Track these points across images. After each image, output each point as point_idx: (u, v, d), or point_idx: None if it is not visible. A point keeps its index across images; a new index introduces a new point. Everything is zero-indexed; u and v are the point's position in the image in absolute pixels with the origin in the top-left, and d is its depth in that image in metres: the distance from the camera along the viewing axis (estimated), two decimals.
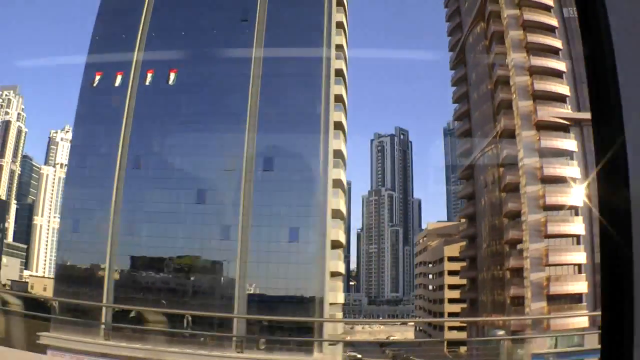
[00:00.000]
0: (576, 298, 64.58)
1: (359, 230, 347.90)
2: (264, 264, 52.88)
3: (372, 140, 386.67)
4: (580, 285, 64.22)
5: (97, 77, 59.67)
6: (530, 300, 63.46)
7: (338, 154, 59.78)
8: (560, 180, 67.45)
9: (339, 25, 62.89)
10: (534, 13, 71.16)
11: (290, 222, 53.57)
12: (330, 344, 52.20)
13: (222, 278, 53.68)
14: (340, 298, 59.24)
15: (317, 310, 53.51)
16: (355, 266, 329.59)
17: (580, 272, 65.10)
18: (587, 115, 64.30)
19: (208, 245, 54.07)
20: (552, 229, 64.16)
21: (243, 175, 54.23)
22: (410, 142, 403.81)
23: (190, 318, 27.93)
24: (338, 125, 60.67)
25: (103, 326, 47.59)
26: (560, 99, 69.14)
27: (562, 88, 69.09)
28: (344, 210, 60.16)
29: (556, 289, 62.93)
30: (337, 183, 59.16)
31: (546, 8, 72.45)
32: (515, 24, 70.13)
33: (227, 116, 56.12)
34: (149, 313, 43.75)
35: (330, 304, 55.97)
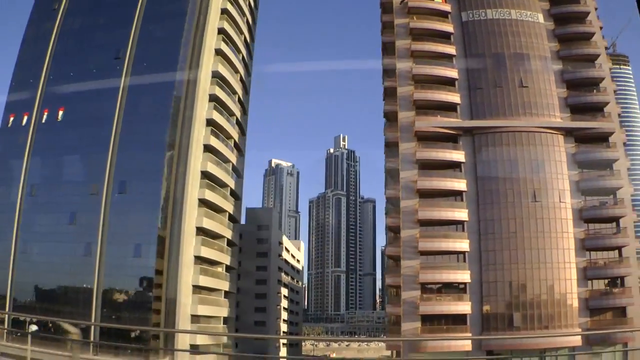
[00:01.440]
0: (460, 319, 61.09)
1: (382, 248, 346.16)
2: (113, 277, 58.30)
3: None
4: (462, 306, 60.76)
5: (11, 119, 69.24)
6: (402, 320, 61.20)
7: (205, 174, 63.34)
8: (441, 194, 64.61)
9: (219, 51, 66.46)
10: (425, 20, 69.07)
11: (134, 239, 58.47)
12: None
13: (83, 289, 59.32)
14: (206, 311, 62.15)
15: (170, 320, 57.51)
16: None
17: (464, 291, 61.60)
18: (479, 122, 61.80)
19: (76, 260, 60.26)
20: (425, 245, 61.55)
21: (103, 198, 59.92)
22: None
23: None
24: (208, 148, 64.30)
25: None
26: (448, 107, 66.28)
27: (451, 96, 66.25)
28: (212, 227, 63.41)
29: (426, 309, 60.11)
30: (204, 201, 62.69)
31: (442, 14, 69.98)
32: (405, 32, 68.49)
33: (97, 146, 62.21)
34: None
35: (193, 315, 59.68)
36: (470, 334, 59.99)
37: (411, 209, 62.68)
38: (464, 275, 61.31)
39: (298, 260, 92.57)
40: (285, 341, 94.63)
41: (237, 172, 71.04)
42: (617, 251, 65.27)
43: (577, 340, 60.16)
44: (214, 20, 65.44)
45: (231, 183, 68.05)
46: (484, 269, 61.61)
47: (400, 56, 67.16)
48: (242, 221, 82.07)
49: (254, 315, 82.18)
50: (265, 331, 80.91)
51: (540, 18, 71.03)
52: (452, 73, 66.86)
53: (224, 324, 65.40)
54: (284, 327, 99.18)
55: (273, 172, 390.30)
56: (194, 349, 59.18)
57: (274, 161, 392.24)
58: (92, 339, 51.54)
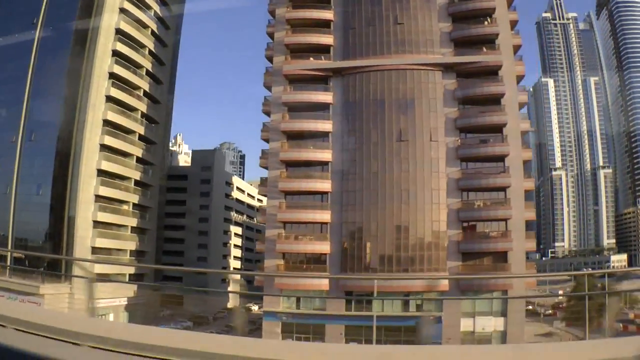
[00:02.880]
0: None
1: None
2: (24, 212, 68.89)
3: None
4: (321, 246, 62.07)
5: None
6: (265, 257, 64.42)
7: (108, 122, 71.22)
8: (309, 136, 65.48)
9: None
10: None
11: (37, 180, 68.32)
12: None
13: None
14: (107, 244, 70.67)
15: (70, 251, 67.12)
16: None
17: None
18: (347, 63, 62.75)
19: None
20: (285, 185, 63.65)
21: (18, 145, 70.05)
22: None
23: None
24: (110, 99, 71.96)
25: None
26: (322, 49, 66.33)
27: (323, 38, 66.26)
28: (114, 170, 71.37)
29: (283, 247, 62.19)
30: (106, 147, 70.71)
31: None
32: None
33: (16, 100, 71.40)
34: None
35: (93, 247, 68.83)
36: (327, 273, 61.54)
37: (278, 150, 64.89)
38: (324, 215, 62.57)
39: (260, 200, 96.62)
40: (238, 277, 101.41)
41: (150, 119, 77.62)
42: (504, 192, 61.74)
43: (444, 285, 58.65)
44: None
45: (140, 129, 75.02)
46: (344, 209, 62.33)
47: (280, 2, 68.22)
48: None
49: (197, 252, 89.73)
50: (206, 266, 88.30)
51: None
52: (328, 15, 66.61)
53: (131, 256, 73.39)
54: (235, 263, 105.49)
55: None
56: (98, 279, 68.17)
57: None
58: (8, 264, 62.51)
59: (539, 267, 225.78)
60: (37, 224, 68.33)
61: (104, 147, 70.22)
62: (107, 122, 70.31)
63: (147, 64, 76.22)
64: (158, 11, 78.52)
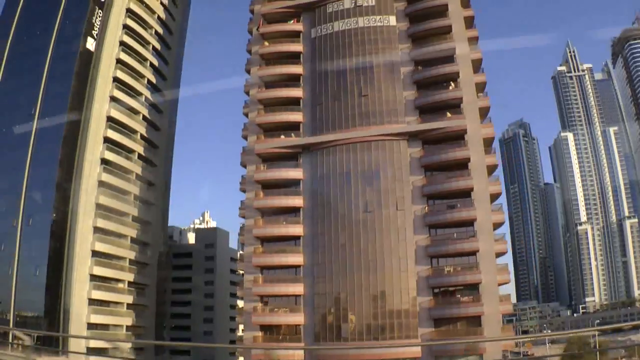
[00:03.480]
0: None
1: None
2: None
3: None
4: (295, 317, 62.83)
5: None
6: (244, 329, 65.56)
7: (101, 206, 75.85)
8: (282, 211, 67.26)
9: None
10: (277, 43, 72.54)
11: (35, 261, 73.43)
12: None
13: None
14: (103, 320, 73.85)
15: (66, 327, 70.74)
16: None
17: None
18: (314, 138, 65.44)
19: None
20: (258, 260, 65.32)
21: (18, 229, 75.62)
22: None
23: None
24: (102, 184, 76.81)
25: None
26: (292, 126, 68.89)
27: (293, 115, 68.94)
28: (108, 250, 75.19)
29: (257, 319, 63.36)
30: (99, 229, 75.06)
31: (294, 35, 72.80)
32: (258, 59, 72.84)
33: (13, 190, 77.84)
34: None
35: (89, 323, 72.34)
36: (302, 344, 62.33)
37: (252, 226, 67.04)
38: (297, 288, 63.69)
39: None
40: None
41: (144, 201, 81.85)
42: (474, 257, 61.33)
43: (416, 352, 58.36)
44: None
45: (133, 211, 79.22)
46: (315, 281, 63.30)
47: (252, 83, 71.82)
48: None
49: (203, 326, 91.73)
50: (212, 340, 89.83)
51: (393, 20, 69.85)
52: (297, 92, 69.52)
53: (127, 331, 76.27)
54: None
55: None
56: (94, 353, 71.36)
57: None
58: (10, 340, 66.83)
59: (570, 324, 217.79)
60: (34, 302, 72.40)
61: (98, 229, 74.38)
62: (99, 206, 74.68)
63: (139, 148, 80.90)
64: (149, 96, 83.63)
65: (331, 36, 70.60)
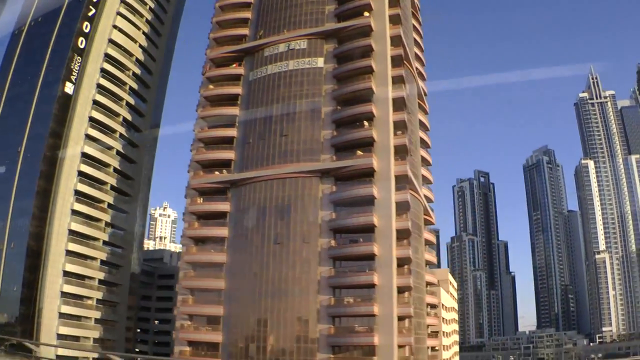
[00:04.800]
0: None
1: None
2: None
3: (453, 186, 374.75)
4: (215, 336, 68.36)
5: None
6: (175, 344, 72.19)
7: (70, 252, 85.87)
8: (213, 241, 73.43)
9: None
10: (220, 87, 79.29)
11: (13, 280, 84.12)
12: None
13: None
14: (71, 332, 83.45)
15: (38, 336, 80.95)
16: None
17: None
18: (238, 175, 72.29)
19: None
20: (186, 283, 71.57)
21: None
22: (492, 183, 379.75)
23: None
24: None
25: None
26: (226, 163, 75.02)
27: (225, 154, 75.15)
28: (78, 271, 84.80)
29: (185, 336, 69.64)
30: (71, 252, 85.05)
31: (235, 78, 79.26)
32: (204, 101, 79.95)
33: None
34: None
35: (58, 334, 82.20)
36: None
37: (185, 253, 74.00)
38: (218, 309, 69.43)
39: None
40: None
41: (116, 227, 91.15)
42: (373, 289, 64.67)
43: None
44: None
45: (103, 236, 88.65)
46: (232, 305, 68.88)
47: (197, 123, 79.08)
48: None
49: None
50: None
51: (321, 62, 74.51)
52: (231, 132, 75.76)
53: (95, 343, 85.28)
54: None
55: None
56: None
57: None
58: None
59: (587, 354, 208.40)
60: (12, 314, 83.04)
61: (70, 252, 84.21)
62: (72, 231, 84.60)
63: (111, 180, 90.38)
64: (124, 133, 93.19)
65: (264, 79, 76.34)
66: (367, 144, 68.80)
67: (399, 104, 72.21)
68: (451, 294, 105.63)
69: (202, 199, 75.53)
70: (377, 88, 71.01)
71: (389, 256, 64.67)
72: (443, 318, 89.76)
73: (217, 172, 75.39)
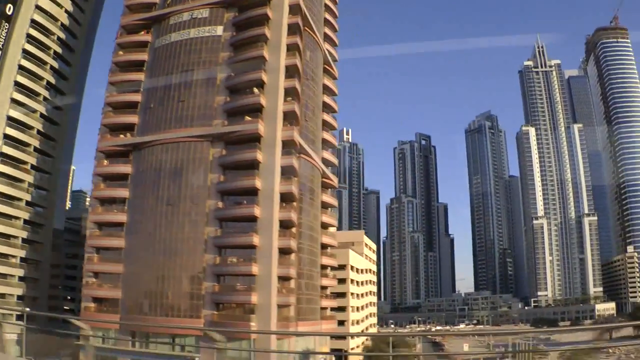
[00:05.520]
0: None
1: (384, 238, 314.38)
2: None
3: (394, 148, 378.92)
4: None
5: None
6: None
7: None
8: (116, 201, 76.78)
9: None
10: (128, 53, 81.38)
11: None
12: None
13: None
14: None
15: None
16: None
17: None
18: (138, 139, 75.18)
19: None
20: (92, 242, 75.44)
21: None
22: (433, 147, 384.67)
23: None
24: None
25: None
26: (130, 127, 77.81)
27: (129, 118, 77.86)
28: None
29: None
30: None
31: (143, 45, 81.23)
32: (114, 67, 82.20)
33: None
34: None
35: None
36: (119, 315, 72.00)
37: (92, 213, 77.53)
38: (118, 268, 73.33)
39: None
40: None
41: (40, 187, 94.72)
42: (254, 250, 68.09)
43: (199, 331, 66.67)
44: None
45: (26, 197, 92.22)
46: (129, 262, 72.74)
47: (109, 89, 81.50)
48: None
49: None
50: None
51: (220, 30, 76.36)
52: (136, 97, 78.31)
53: (18, 300, 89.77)
54: None
55: None
56: None
57: None
58: None
59: (521, 317, 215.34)
60: None
61: None
62: None
63: (34, 142, 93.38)
64: (47, 96, 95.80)
65: (168, 47, 78.41)
66: (256, 110, 71.18)
67: (292, 72, 74.18)
68: (367, 255, 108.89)
69: (108, 161, 78.46)
70: (270, 56, 72.88)
71: (271, 218, 67.77)
72: (352, 280, 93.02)
73: (122, 136, 78.17)
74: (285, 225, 69.77)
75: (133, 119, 77.68)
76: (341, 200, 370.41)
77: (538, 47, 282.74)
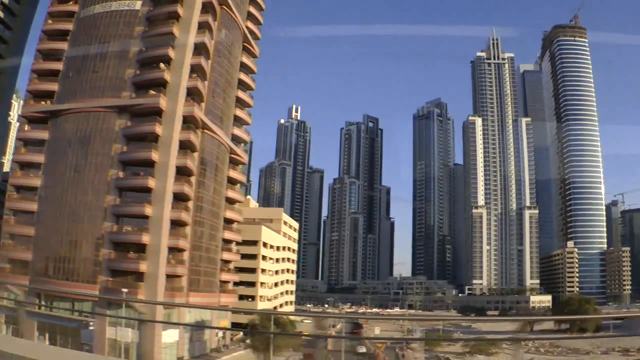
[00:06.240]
0: None
1: (325, 218, 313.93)
2: None
3: (341, 129, 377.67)
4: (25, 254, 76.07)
5: None
6: None
7: None
8: (34, 166, 79.96)
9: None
10: (56, 22, 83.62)
11: None
12: None
13: None
14: None
15: None
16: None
17: None
18: (52, 107, 78.23)
19: None
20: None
21: None
22: (381, 129, 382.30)
23: None
24: None
25: None
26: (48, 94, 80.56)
27: (46, 85, 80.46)
28: None
29: None
30: None
31: (70, 14, 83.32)
32: (43, 35, 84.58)
33: None
34: None
35: None
36: (29, 277, 75.88)
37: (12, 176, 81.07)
38: (30, 230, 76.88)
39: None
40: None
41: None
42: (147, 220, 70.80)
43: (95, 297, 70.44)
44: None
45: None
46: (39, 226, 76.16)
47: (37, 56, 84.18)
48: None
49: None
50: None
51: (139, 5, 77.97)
52: (57, 66, 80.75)
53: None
54: None
55: None
56: None
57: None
58: None
59: (455, 304, 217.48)
60: None
61: None
62: None
63: None
64: None
65: (91, 17, 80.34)
66: (160, 85, 73.02)
67: (201, 49, 75.55)
68: (285, 233, 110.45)
69: (29, 126, 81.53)
70: (180, 33, 74.36)
71: (164, 190, 70.17)
72: (264, 256, 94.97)
73: (43, 103, 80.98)
74: (180, 197, 72.10)
75: (54, 86, 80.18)
76: (284, 177, 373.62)
77: (492, 39, 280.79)
